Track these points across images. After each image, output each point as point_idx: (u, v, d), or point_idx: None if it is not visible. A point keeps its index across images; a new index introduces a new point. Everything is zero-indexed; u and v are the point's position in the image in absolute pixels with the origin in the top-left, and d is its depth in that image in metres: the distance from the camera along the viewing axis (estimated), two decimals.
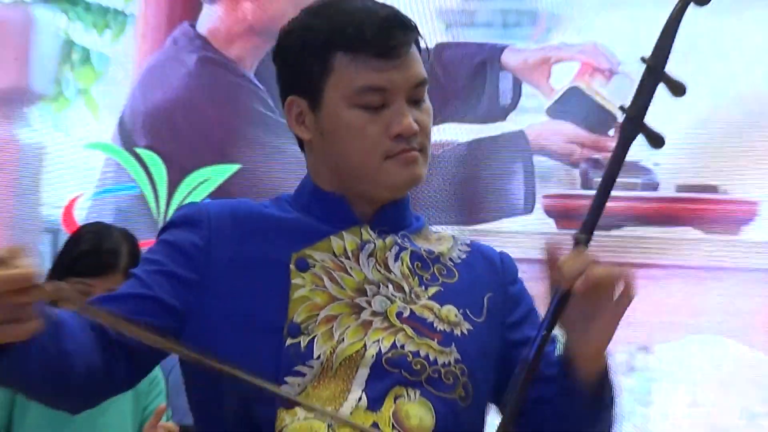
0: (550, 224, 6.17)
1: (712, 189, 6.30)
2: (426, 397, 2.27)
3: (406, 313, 2.31)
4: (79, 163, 6.10)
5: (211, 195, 5.86)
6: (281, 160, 5.94)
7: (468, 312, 2.37)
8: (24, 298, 1.86)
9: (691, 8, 2.22)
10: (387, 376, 2.26)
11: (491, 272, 2.45)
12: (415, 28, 2.39)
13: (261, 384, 2.11)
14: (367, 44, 2.31)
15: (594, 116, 6.19)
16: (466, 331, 2.34)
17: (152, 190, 5.94)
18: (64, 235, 5.20)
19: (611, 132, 6.11)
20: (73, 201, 5.97)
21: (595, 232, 2.24)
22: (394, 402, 2.26)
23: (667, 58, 2.29)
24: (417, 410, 2.26)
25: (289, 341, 2.25)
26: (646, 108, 2.28)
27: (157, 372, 3.60)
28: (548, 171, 6.19)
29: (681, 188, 6.31)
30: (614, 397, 2.29)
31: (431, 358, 2.30)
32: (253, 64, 6.31)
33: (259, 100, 6.19)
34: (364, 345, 2.27)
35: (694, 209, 6.23)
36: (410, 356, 2.29)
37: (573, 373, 2.24)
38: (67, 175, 6.21)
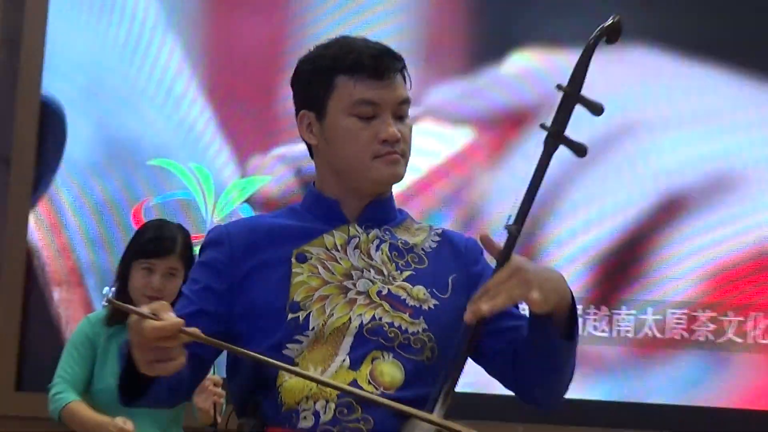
0: None
1: None
2: (398, 359, 2.53)
3: (384, 292, 2.59)
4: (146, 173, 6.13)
5: (247, 200, 6.05)
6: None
7: (435, 291, 2.63)
8: (172, 343, 2.21)
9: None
10: (367, 343, 2.53)
11: (456, 257, 2.70)
12: (402, 59, 2.68)
13: (273, 363, 2.40)
14: (363, 67, 2.60)
15: None
16: (432, 306, 2.61)
17: (202, 196, 6.05)
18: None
19: None
20: (141, 204, 6.11)
21: None
22: (372, 363, 2.52)
23: (581, 84, 2.54)
24: (389, 369, 2.52)
25: (290, 316, 2.55)
26: (566, 124, 2.53)
27: None
28: None
29: None
30: (577, 330, 2.54)
31: (403, 327, 2.56)
32: None
33: None
34: (350, 318, 2.55)
35: None
36: (386, 326, 2.55)
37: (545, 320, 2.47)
38: None
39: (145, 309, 2.23)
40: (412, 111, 2.73)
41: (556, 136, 2.53)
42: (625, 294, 5.91)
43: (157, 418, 4.56)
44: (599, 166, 6.04)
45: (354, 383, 2.51)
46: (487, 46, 6.30)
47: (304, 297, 2.58)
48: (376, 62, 2.63)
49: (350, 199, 2.71)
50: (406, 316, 2.59)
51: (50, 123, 6.30)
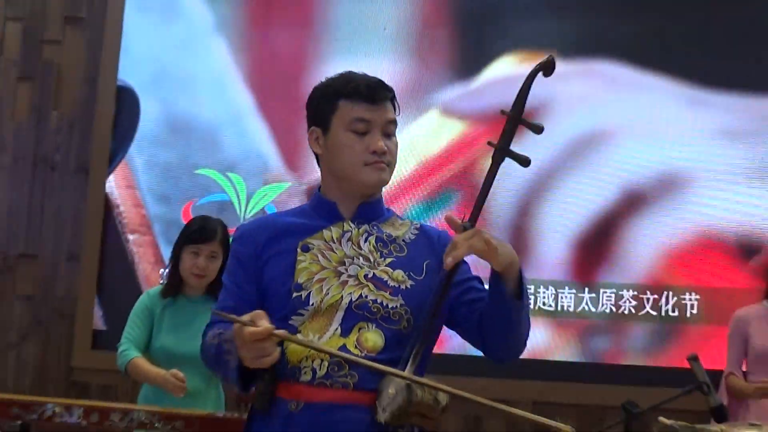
0: None
1: None
2: (379, 328, 2.57)
3: (370, 275, 2.62)
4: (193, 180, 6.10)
5: (272, 203, 5.98)
6: None
7: (412, 274, 2.64)
8: (267, 343, 2.35)
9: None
10: (355, 316, 2.57)
11: (430, 246, 2.70)
12: (392, 90, 2.71)
13: (321, 348, 2.50)
14: (360, 94, 2.65)
15: None
16: (409, 286, 2.63)
17: (237, 197, 6.02)
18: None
19: None
20: (189, 204, 6.08)
21: None
22: (358, 331, 2.56)
23: (523, 109, 2.58)
24: (372, 336, 2.56)
25: (294, 295, 2.60)
26: (510, 142, 2.57)
27: None
28: None
29: None
30: (526, 293, 2.57)
31: (384, 303, 2.59)
32: None
33: None
34: (341, 296, 2.59)
35: None
36: (371, 303, 2.59)
37: (499, 281, 2.51)
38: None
39: (245, 318, 2.37)
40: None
41: (502, 151, 2.58)
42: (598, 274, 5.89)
43: (201, 370, 4.42)
44: (575, 168, 5.99)
45: (343, 347, 2.55)
46: (475, 54, 6.22)
47: (306, 279, 2.61)
48: (370, 90, 2.67)
49: (346, 200, 2.72)
50: (387, 294, 2.61)
51: (127, 104, 6.32)
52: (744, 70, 5.93)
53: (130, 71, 6.34)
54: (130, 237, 6.20)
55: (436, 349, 2.73)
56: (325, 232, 2.69)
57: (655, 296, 5.74)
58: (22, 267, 6.20)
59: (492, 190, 2.59)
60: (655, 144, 5.94)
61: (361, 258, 2.66)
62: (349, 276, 2.63)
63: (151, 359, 4.53)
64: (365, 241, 2.69)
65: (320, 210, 2.76)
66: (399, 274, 2.65)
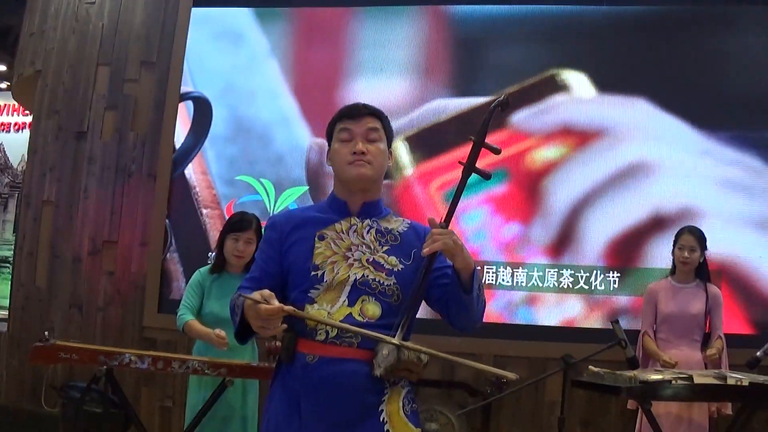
0: None
1: None
2: (377, 301, 2.57)
3: (371, 260, 2.62)
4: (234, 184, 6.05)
5: (295, 201, 5.89)
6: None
7: (402, 259, 2.63)
8: (275, 318, 2.37)
9: None
10: (358, 290, 2.57)
11: (417, 238, 2.67)
12: (372, 109, 2.69)
13: (299, 313, 2.51)
14: (343, 113, 2.68)
15: None
16: (400, 269, 2.62)
17: (267, 197, 5.95)
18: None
19: None
20: (231, 203, 6.03)
21: None
22: (361, 303, 2.57)
23: (485, 135, 2.60)
24: (372, 307, 2.57)
25: (312, 273, 2.59)
26: (475, 161, 2.58)
27: None
28: None
29: None
30: (479, 288, 2.59)
31: (381, 281, 2.59)
32: None
33: None
34: (348, 275, 2.58)
35: None
36: (371, 281, 2.58)
37: (458, 276, 2.54)
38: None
39: (257, 296, 2.38)
40: None
41: (469, 168, 2.60)
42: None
43: None
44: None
45: (350, 315, 2.55)
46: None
47: (321, 262, 2.61)
48: (350, 109, 2.70)
49: (352, 199, 2.69)
50: (383, 275, 2.60)
51: (202, 110, 6.24)
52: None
53: (205, 85, 6.28)
54: (204, 211, 6.12)
55: (423, 314, 2.76)
56: (337, 225, 2.67)
57: (587, 273, 5.63)
58: (106, 250, 6.20)
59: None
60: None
61: (364, 246, 2.64)
62: (355, 260, 2.62)
63: (202, 321, 4.47)
64: (367, 232, 2.67)
65: (333, 207, 2.72)
66: (393, 259, 2.63)
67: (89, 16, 6.49)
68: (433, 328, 3.09)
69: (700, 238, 4.98)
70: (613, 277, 5.56)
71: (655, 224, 5.57)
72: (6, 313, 7.14)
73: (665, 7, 5.74)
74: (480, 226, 5.71)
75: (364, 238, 2.65)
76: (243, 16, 6.26)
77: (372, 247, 2.64)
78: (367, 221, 2.68)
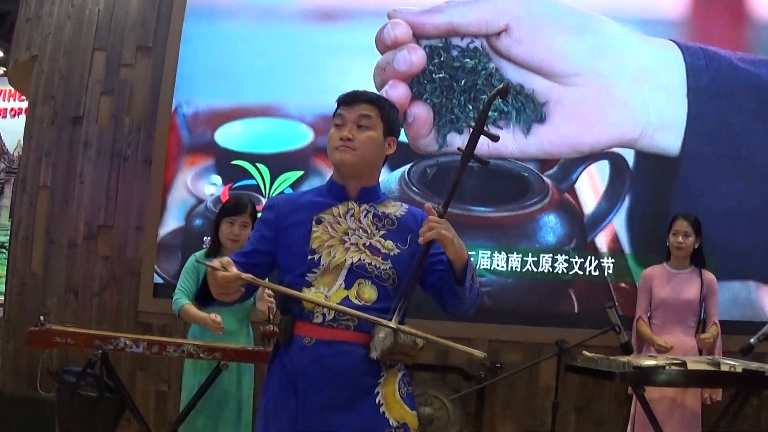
0: None
1: None
2: (374, 284, 2.59)
3: (367, 244, 2.63)
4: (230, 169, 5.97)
5: (290, 186, 5.86)
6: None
7: (398, 244, 2.64)
8: (234, 285, 2.42)
9: None
10: (355, 274, 2.59)
11: (414, 223, 2.66)
12: (366, 96, 2.69)
13: (290, 292, 2.55)
14: (342, 100, 2.69)
15: None
16: (396, 253, 2.63)
17: (263, 182, 5.90)
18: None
19: None
20: (227, 187, 5.95)
21: None
22: (358, 286, 2.58)
23: (484, 123, 2.62)
24: (368, 290, 2.59)
25: (309, 257, 2.60)
26: (474, 148, 2.61)
27: None
28: None
29: None
30: (472, 278, 2.61)
31: (377, 266, 2.60)
32: None
33: None
34: (345, 259, 2.59)
35: None
36: (367, 265, 2.59)
37: (451, 267, 2.57)
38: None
39: (217, 263, 2.42)
40: None
41: (468, 155, 2.63)
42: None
43: (235, 314, 4.48)
44: None
45: (346, 298, 2.56)
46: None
47: (318, 246, 2.62)
48: (346, 95, 2.70)
49: (349, 184, 2.70)
50: (379, 259, 2.62)
51: None
52: None
53: (199, 68, 6.20)
54: None
55: (421, 299, 2.76)
56: (334, 209, 2.68)
57: (581, 260, 5.60)
58: (102, 235, 6.16)
59: None
60: None
61: (360, 230, 2.65)
62: (351, 244, 2.63)
63: (197, 305, 4.33)
64: (364, 217, 2.68)
65: (331, 191, 2.74)
66: (389, 243, 2.64)
67: (85, 1, 6.45)
68: (428, 312, 3.05)
69: (695, 223, 4.97)
70: (607, 263, 5.53)
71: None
72: (2, 298, 7.11)
73: None
74: None
75: (361, 223, 2.66)
76: None
77: (369, 232, 2.65)
78: (365, 206, 2.69)
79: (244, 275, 2.42)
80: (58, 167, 6.29)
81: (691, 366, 4.20)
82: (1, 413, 5.82)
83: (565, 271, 5.57)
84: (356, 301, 2.56)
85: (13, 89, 11.44)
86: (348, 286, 2.58)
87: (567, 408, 5.39)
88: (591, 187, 5.63)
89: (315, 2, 6.05)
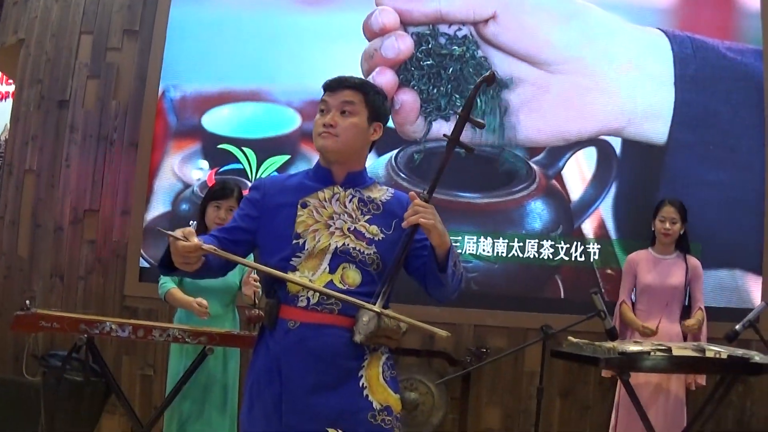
0: None
1: None
2: (358, 268, 2.60)
3: (352, 229, 2.64)
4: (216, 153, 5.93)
5: (277, 170, 5.78)
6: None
7: (383, 229, 2.66)
8: (194, 255, 2.42)
9: None
10: (339, 258, 2.60)
11: (400, 208, 2.66)
12: (352, 84, 2.69)
13: (272, 272, 2.57)
14: (326, 86, 2.70)
15: None
16: (381, 238, 2.65)
17: (249, 166, 5.87)
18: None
19: None
20: (213, 171, 5.93)
21: None
22: (342, 270, 2.59)
23: (470, 110, 2.65)
24: (353, 274, 2.60)
25: (294, 241, 2.61)
26: (459, 135, 2.65)
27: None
28: None
29: None
30: (455, 265, 2.63)
31: (361, 250, 2.62)
32: None
33: None
34: (329, 243, 2.61)
35: None
36: (351, 249, 2.60)
37: (434, 253, 2.59)
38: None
39: (178, 233, 2.42)
40: None
41: (453, 142, 2.67)
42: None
43: (221, 298, 4.48)
44: None
45: (331, 282, 2.58)
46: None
47: (303, 230, 2.63)
48: (331, 81, 2.70)
49: (335, 169, 2.71)
50: (363, 243, 2.63)
51: None
52: None
53: (186, 52, 6.16)
54: None
55: (407, 284, 2.80)
56: (320, 193, 2.68)
57: (567, 245, 5.57)
58: (88, 219, 6.14)
59: None
60: None
61: (345, 215, 2.66)
62: (336, 228, 2.63)
63: (183, 290, 4.43)
64: (350, 201, 2.68)
65: (318, 175, 2.74)
66: (374, 228, 2.65)
67: None
68: (414, 297, 3.04)
69: (681, 209, 4.97)
70: (593, 248, 5.52)
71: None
72: None
73: None
74: None
75: (346, 207, 2.67)
76: None
77: (354, 216, 2.66)
78: (350, 190, 2.70)
79: (205, 246, 2.43)
80: (44, 151, 6.26)
81: (676, 352, 4.21)
82: None
83: (551, 256, 5.55)
84: (340, 285, 2.57)
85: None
86: (332, 270, 2.59)
87: (552, 393, 5.39)
88: (578, 173, 5.58)
89: None
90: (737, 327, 4.37)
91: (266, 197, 2.70)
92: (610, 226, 5.53)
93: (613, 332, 4.48)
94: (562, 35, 5.63)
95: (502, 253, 5.59)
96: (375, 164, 5.65)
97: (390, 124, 5.53)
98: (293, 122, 5.89)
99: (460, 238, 5.54)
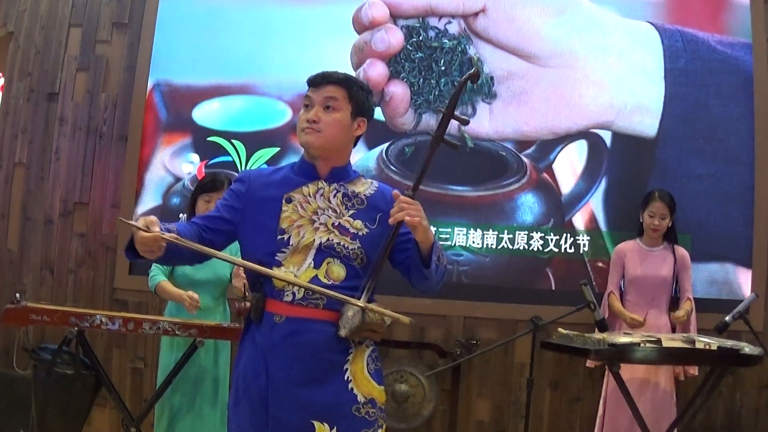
0: None
1: None
2: (342, 263, 2.62)
3: (336, 224, 2.66)
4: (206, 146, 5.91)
5: (266, 163, 5.78)
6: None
7: (367, 223, 2.68)
8: (155, 244, 2.41)
9: None
10: (324, 253, 2.62)
11: (383, 202, 2.70)
12: (336, 79, 2.70)
13: (255, 267, 2.60)
14: (310, 82, 2.71)
15: None
16: (365, 233, 2.67)
17: (238, 159, 5.86)
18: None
19: None
20: (203, 163, 5.90)
21: None
22: (327, 265, 2.62)
23: (454, 107, 2.68)
24: (337, 268, 2.62)
25: (278, 237, 2.63)
26: (444, 132, 2.69)
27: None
28: None
29: None
30: (438, 259, 2.66)
31: (346, 245, 2.64)
32: None
33: None
34: (314, 239, 2.63)
35: None
36: (336, 245, 2.63)
37: (418, 248, 2.63)
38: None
39: (140, 223, 2.42)
40: None
41: (438, 139, 2.70)
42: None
43: (212, 291, 4.50)
44: None
45: (315, 277, 2.61)
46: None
47: (288, 225, 2.65)
48: (314, 77, 2.72)
49: (319, 163, 2.72)
50: (348, 239, 2.65)
51: None
52: None
53: (177, 44, 6.12)
54: None
55: (399, 277, 2.81)
56: (304, 188, 2.69)
57: (557, 237, 5.59)
58: (78, 211, 6.13)
59: None
60: None
61: (330, 210, 2.67)
62: (321, 224, 2.65)
63: (174, 282, 4.45)
64: (334, 196, 2.69)
65: (302, 170, 2.74)
66: (358, 223, 2.67)
67: None
68: (405, 289, 3.06)
69: (671, 204, 4.98)
70: (583, 240, 5.54)
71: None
72: None
73: None
74: None
75: (330, 202, 2.69)
76: None
77: (338, 211, 2.68)
78: (335, 185, 2.71)
79: (166, 235, 2.44)
80: (34, 144, 6.24)
81: (666, 343, 4.22)
82: None
83: (541, 248, 5.56)
84: (325, 280, 2.60)
85: None
86: (317, 265, 2.61)
87: (542, 384, 5.41)
88: (569, 166, 5.59)
89: None
90: (727, 318, 4.38)
91: (251, 190, 2.72)
92: (601, 218, 5.55)
93: (602, 323, 4.49)
94: (552, 29, 5.64)
95: (492, 245, 5.59)
96: (366, 157, 5.66)
97: (380, 116, 5.59)
98: (284, 116, 5.88)
99: (449, 230, 5.55)
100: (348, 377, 2.60)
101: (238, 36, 6.02)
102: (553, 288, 5.55)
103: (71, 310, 4.42)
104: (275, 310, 2.60)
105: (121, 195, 6.00)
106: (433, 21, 5.72)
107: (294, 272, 2.60)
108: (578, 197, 5.59)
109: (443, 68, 5.66)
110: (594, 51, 5.61)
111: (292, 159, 5.21)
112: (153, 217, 2.46)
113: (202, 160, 5.94)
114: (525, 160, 5.62)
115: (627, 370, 4.53)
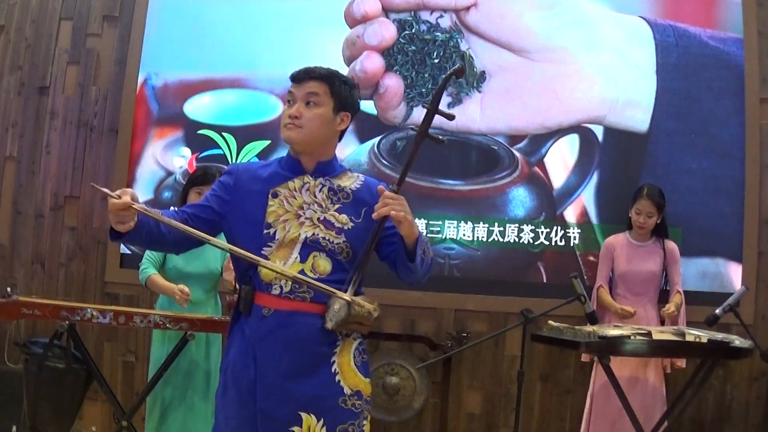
0: None
1: None
2: (328, 257, 2.66)
3: (321, 218, 2.69)
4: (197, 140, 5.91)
5: (257, 156, 5.80)
6: None
7: (353, 218, 2.71)
8: (126, 213, 2.43)
9: None
10: (309, 248, 2.65)
11: (369, 196, 2.73)
12: (317, 75, 2.71)
13: (246, 255, 2.61)
14: (292, 78, 2.72)
15: None
16: (350, 227, 2.70)
17: (229, 152, 5.86)
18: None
19: None
20: (193, 156, 5.89)
21: None
22: (313, 259, 2.65)
23: (439, 102, 2.71)
24: (323, 262, 2.66)
25: (265, 231, 2.67)
26: (428, 127, 2.71)
27: None
28: None
29: None
30: (424, 253, 2.69)
31: (331, 240, 2.67)
32: None
33: None
34: (299, 233, 2.66)
35: None
36: (321, 239, 2.66)
37: (403, 243, 2.66)
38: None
39: (116, 193, 2.43)
40: None
41: (422, 134, 2.73)
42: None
43: (203, 285, 4.52)
44: None
45: (302, 271, 2.64)
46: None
47: (274, 220, 2.68)
48: (296, 72, 2.73)
49: (305, 158, 2.75)
50: (333, 233, 2.68)
51: None
52: None
53: (168, 38, 6.12)
54: None
55: (387, 269, 2.84)
56: (290, 183, 2.72)
57: (548, 230, 5.61)
58: (69, 205, 6.13)
59: None
60: None
61: (315, 204, 2.70)
62: (306, 218, 2.68)
63: (165, 276, 4.47)
64: (320, 191, 2.72)
65: (288, 164, 2.77)
66: (343, 217, 2.70)
67: None
68: (395, 282, 3.07)
69: (659, 202, 4.99)
70: (574, 233, 5.56)
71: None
72: None
73: None
74: None
75: (316, 197, 2.71)
76: None
77: (323, 206, 2.71)
78: (320, 179, 2.74)
79: (136, 205, 2.44)
80: (25, 138, 6.23)
81: (656, 336, 4.23)
82: None
83: (531, 241, 5.58)
84: (311, 274, 2.63)
85: None
86: (303, 259, 2.64)
87: (533, 377, 5.44)
88: (561, 161, 5.60)
89: None
90: (717, 311, 4.41)
91: (239, 183, 2.74)
92: (592, 212, 5.56)
93: (593, 316, 4.52)
94: (544, 23, 5.65)
95: (483, 238, 5.61)
96: (357, 151, 5.67)
97: (372, 110, 5.60)
98: (275, 109, 5.86)
99: (441, 223, 5.56)
100: (335, 369, 2.64)
101: (230, 30, 6.02)
102: (544, 281, 5.57)
103: (62, 303, 4.43)
104: (263, 303, 2.63)
105: (112, 188, 5.95)
106: (424, 15, 5.73)
107: (280, 266, 2.63)
108: (570, 191, 5.59)
109: (436, 61, 5.68)
110: (586, 46, 5.62)
111: (283, 152, 5.27)
112: (129, 189, 2.48)
113: (193, 153, 5.95)
114: (516, 154, 5.62)
115: (616, 367, 4.53)
